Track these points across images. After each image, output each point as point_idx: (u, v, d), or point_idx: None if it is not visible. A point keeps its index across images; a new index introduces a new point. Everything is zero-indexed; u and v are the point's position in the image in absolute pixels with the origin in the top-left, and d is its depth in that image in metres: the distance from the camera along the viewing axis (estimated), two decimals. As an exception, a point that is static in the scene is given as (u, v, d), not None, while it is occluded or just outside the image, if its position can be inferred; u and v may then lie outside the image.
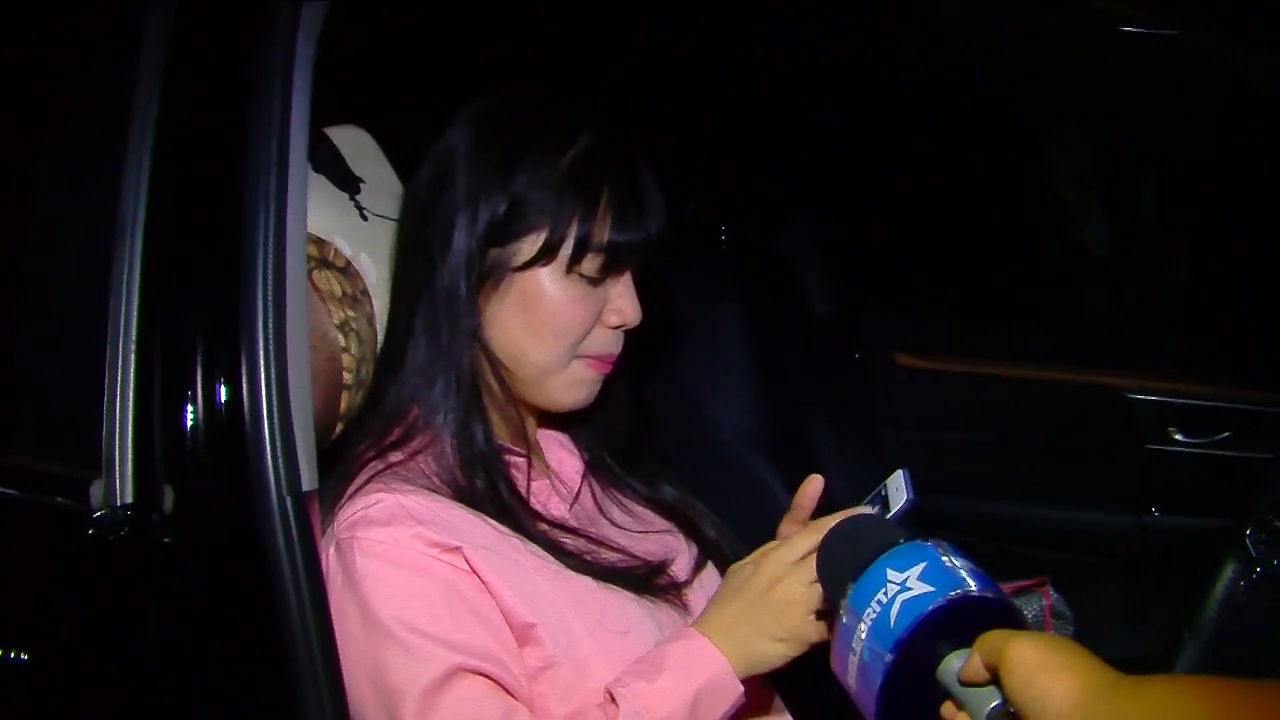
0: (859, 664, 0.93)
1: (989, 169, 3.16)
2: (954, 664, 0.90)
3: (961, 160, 3.06)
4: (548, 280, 1.32)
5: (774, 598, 1.22)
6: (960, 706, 0.90)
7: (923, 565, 0.93)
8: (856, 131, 2.90)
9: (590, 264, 1.32)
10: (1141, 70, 1.97)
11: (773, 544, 1.30)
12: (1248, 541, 1.59)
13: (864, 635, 0.92)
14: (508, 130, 1.35)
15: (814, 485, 1.37)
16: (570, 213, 1.30)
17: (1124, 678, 0.81)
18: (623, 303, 1.36)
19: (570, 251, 1.31)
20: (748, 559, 1.29)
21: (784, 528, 1.39)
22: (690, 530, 1.51)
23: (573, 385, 1.37)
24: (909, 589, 0.91)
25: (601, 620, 1.27)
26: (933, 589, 0.91)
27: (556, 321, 1.32)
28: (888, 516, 1.28)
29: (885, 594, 0.92)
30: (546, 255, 1.31)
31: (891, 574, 0.93)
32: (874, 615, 0.92)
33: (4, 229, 1.39)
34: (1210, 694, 0.77)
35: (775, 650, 1.22)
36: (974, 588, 0.91)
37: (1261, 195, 2.13)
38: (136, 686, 1.21)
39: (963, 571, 0.92)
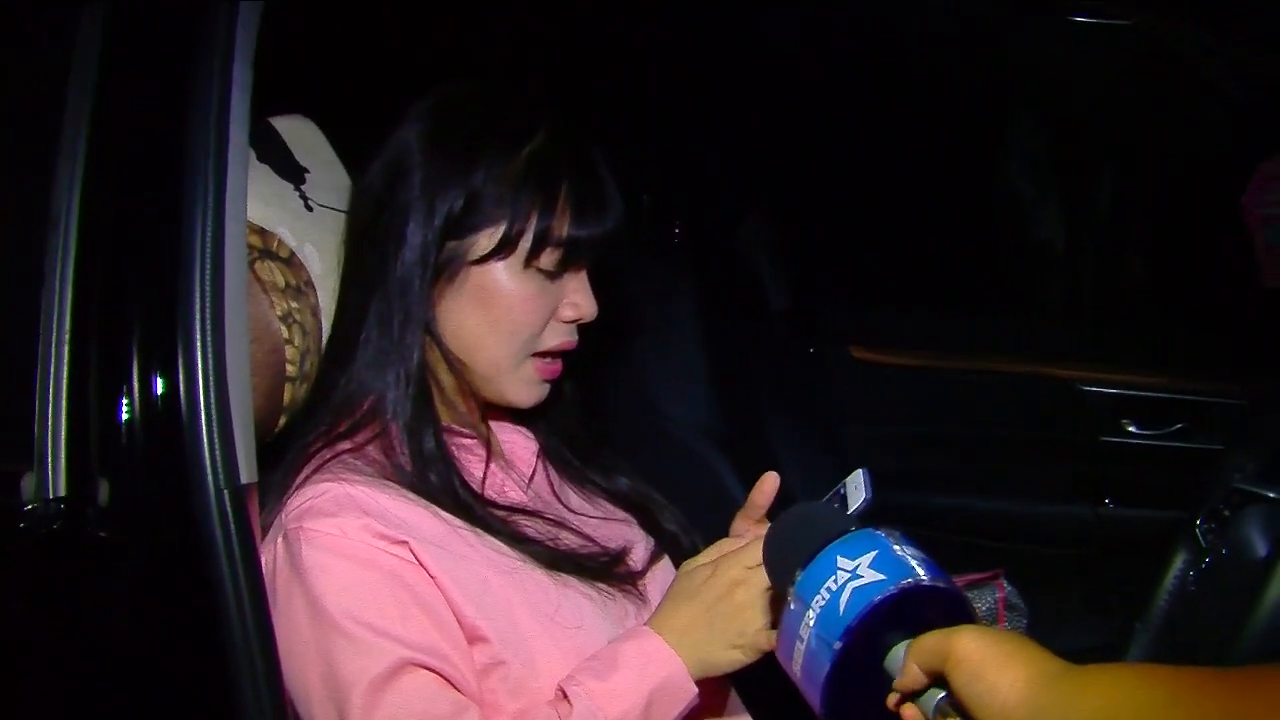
0: (806, 651, 0.92)
1: (945, 162, 3.17)
2: (902, 654, 0.89)
3: (917, 154, 3.07)
4: (504, 274, 1.31)
5: (732, 603, 1.21)
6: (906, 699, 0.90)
7: (874, 553, 0.92)
8: (813, 125, 2.91)
9: (548, 258, 1.31)
10: (1095, 61, 1.97)
11: (728, 541, 1.29)
12: (1198, 532, 1.59)
13: (812, 623, 0.91)
14: (464, 125, 1.34)
15: (770, 483, 1.36)
16: (529, 207, 1.30)
17: (1069, 667, 0.81)
18: (579, 297, 1.36)
19: (529, 245, 1.30)
20: (703, 558, 1.28)
21: (737, 524, 1.38)
22: (647, 521, 1.50)
23: (524, 384, 1.37)
24: (860, 576, 0.91)
25: (554, 615, 1.25)
26: (884, 577, 0.90)
27: (513, 316, 1.32)
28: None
29: (835, 581, 0.91)
30: (505, 249, 1.30)
31: (842, 561, 0.93)
32: (823, 602, 0.91)
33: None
34: (1154, 681, 0.77)
35: (730, 656, 1.22)
36: (925, 577, 0.90)
37: (1214, 188, 2.14)
38: (70, 681, 1.18)
39: (913, 561, 0.92)
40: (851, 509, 1.28)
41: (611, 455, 1.57)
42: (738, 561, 1.23)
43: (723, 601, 1.21)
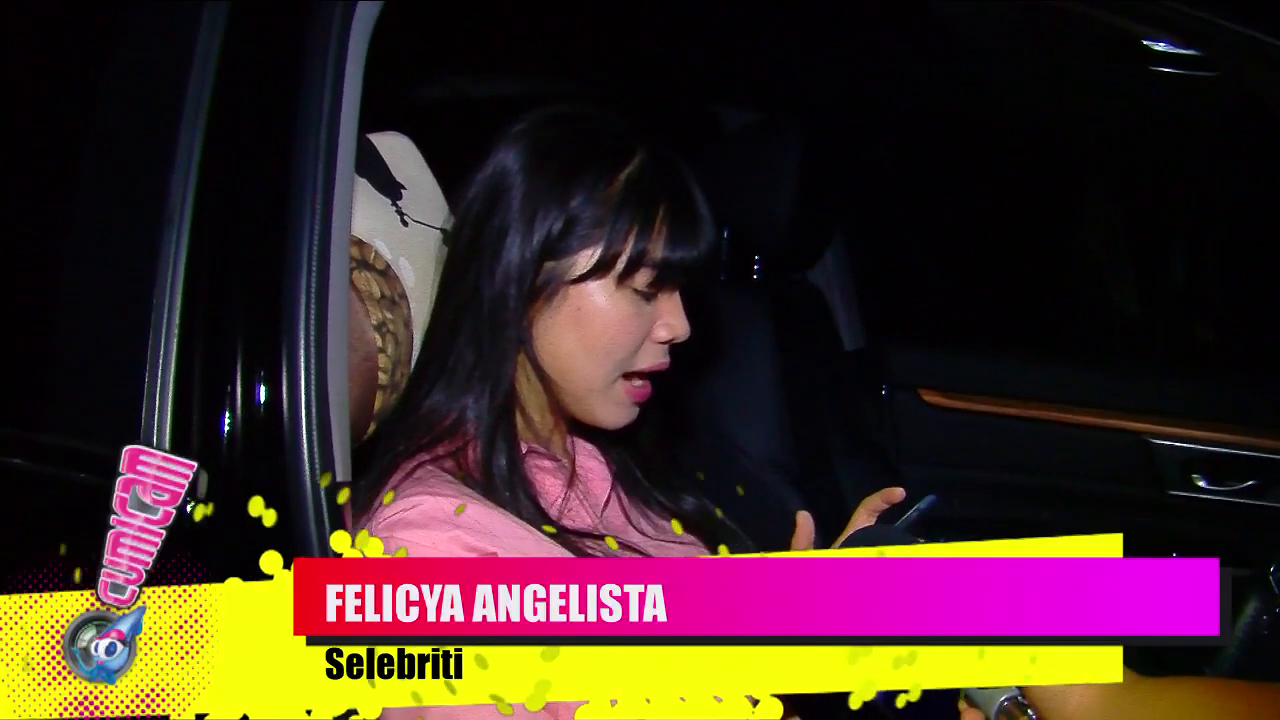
0: None
1: (1021, 210, 3.17)
2: None
3: (995, 201, 3.08)
4: (601, 294, 1.33)
5: None
6: (970, 704, 0.92)
7: None
8: (895, 170, 2.93)
9: (643, 279, 1.33)
10: (1178, 113, 1.97)
11: None
12: (1270, 578, 1.58)
13: None
14: (562, 147, 1.36)
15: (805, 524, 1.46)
16: (627, 228, 1.32)
17: (1145, 677, 0.82)
18: (672, 318, 1.38)
19: (624, 266, 1.32)
20: None
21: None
22: (713, 545, 1.52)
23: (615, 405, 1.38)
24: None
25: None
26: None
27: (609, 336, 1.34)
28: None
29: None
30: (602, 269, 1.32)
31: None
32: None
33: (53, 218, 1.41)
34: (1231, 693, 0.78)
35: None
36: None
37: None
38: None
39: None
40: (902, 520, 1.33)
41: (681, 479, 1.58)
42: None
43: None
